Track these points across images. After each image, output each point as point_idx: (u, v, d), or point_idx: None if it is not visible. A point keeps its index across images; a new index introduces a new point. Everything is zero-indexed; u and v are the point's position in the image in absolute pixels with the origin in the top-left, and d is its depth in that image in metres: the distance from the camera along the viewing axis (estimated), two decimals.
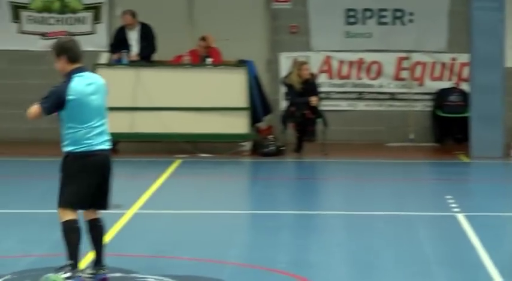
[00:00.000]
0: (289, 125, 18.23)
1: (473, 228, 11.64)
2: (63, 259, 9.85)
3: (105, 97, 9.59)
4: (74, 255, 9.25)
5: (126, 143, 18.46)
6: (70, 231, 9.23)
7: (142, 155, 17.53)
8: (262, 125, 18.58)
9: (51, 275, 8.50)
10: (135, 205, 12.89)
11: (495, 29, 17.56)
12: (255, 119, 18.10)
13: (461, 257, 10.39)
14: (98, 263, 9.42)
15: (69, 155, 9.37)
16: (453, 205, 13.15)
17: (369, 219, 12.60)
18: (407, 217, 12.71)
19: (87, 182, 9.32)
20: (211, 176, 16.32)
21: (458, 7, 19.54)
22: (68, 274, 9.22)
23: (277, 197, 14.72)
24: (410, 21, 19.84)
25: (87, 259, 9.63)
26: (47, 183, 14.97)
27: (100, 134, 9.45)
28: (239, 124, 17.80)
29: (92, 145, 9.37)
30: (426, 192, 14.87)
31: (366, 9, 19.88)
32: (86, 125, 9.41)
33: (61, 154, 9.54)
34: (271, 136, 18.34)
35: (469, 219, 12.16)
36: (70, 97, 9.22)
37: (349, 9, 19.88)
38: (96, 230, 9.52)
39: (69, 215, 9.24)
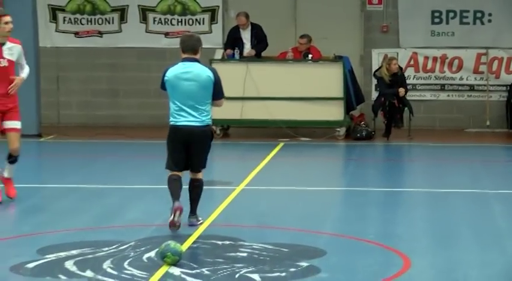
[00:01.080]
0: (379, 113, 18.09)
1: None
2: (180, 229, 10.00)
3: (209, 88, 10.11)
4: (172, 197, 10.13)
5: (237, 129, 18.57)
6: (169, 181, 10.22)
7: (250, 138, 17.56)
8: (355, 112, 18.52)
9: (171, 242, 8.55)
10: (243, 182, 12.93)
11: None
12: (349, 107, 18.03)
13: None
14: (191, 213, 10.30)
15: (169, 127, 10.31)
16: None
17: (449, 196, 12.44)
18: (483, 194, 12.52)
19: (172, 149, 10.26)
20: (310, 158, 16.30)
21: None
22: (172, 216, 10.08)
23: (367, 176, 14.63)
24: (489, 21, 19.53)
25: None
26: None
27: (189, 113, 10.11)
28: (335, 112, 17.73)
29: (178, 120, 10.17)
30: (500, 172, 14.63)
31: (450, 11, 19.63)
32: (176, 103, 10.19)
33: None
34: (363, 123, 18.26)
35: None
36: (166, 78, 10.15)
37: (434, 11, 19.65)
38: (192, 188, 10.33)
39: (171, 172, 10.27)
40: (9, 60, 11.00)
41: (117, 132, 18.27)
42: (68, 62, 20.09)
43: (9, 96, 11.13)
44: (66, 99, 19.68)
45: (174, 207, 9.93)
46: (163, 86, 10.28)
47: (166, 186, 10.18)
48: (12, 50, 10.93)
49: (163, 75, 10.21)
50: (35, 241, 9.44)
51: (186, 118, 10.17)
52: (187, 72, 10.10)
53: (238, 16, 18.57)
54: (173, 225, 9.84)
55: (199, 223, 10.24)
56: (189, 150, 10.23)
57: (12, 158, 11.38)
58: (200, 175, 10.34)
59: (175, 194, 10.10)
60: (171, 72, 10.17)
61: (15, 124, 11.30)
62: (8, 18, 10.91)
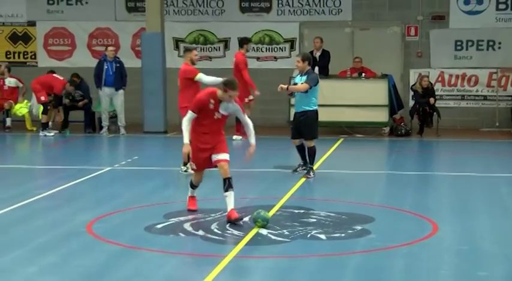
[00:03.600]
0: (415, 116, 17.93)
1: None
2: (265, 200, 9.99)
3: None
4: (314, 162, 11.90)
5: None
6: (315, 151, 11.88)
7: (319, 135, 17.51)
8: (396, 116, 18.28)
9: (261, 211, 8.57)
10: (314, 167, 12.85)
11: None
12: (392, 112, 17.84)
13: None
14: (305, 164, 11.96)
15: (316, 111, 11.93)
16: None
17: (467, 178, 12.24)
18: (493, 177, 12.29)
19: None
20: (363, 149, 16.10)
21: None
22: (312, 173, 11.77)
23: (406, 163, 14.43)
24: (499, 48, 19.16)
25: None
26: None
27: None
28: (381, 115, 17.54)
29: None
30: (507, 161, 14.30)
31: (469, 40, 19.30)
32: (317, 95, 11.91)
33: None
34: (403, 123, 18.07)
35: None
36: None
37: (457, 40, 19.33)
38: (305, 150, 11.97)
39: (313, 143, 11.89)
40: (223, 115, 8.84)
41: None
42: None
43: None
44: None
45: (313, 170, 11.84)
46: (316, 85, 11.80)
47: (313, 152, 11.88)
48: (229, 108, 8.81)
49: (318, 80, 11.93)
50: (162, 208, 9.55)
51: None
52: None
53: (315, 39, 18.58)
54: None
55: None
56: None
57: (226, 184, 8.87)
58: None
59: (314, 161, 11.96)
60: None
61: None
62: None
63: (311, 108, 11.79)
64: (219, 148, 8.91)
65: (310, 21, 19.82)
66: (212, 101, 8.73)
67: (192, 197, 9.39)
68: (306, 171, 11.91)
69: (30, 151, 16.54)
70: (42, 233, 8.30)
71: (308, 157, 11.91)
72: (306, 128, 11.74)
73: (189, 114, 8.85)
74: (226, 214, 8.84)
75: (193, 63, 12.39)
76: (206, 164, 9.02)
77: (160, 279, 6.75)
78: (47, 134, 17.52)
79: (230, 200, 8.77)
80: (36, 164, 14.05)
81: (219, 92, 8.72)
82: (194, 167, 9.08)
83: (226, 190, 8.78)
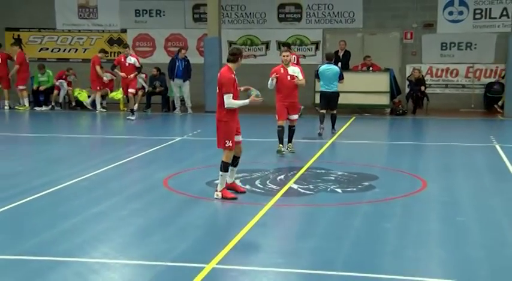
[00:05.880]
0: (410, 100, 17.69)
1: (504, 152, 10.92)
2: (295, 163, 9.89)
3: (337, 75, 12.72)
4: (321, 122, 12.83)
5: None
6: (320, 117, 12.94)
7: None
8: (396, 100, 18.00)
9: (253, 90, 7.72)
10: (332, 138, 12.75)
11: None
12: (392, 97, 17.57)
13: (497, 166, 9.75)
14: (332, 128, 13.40)
15: (320, 92, 12.87)
16: (493, 141, 12.38)
17: (450, 147, 11.97)
18: (470, 146, 12.01)
19: (321, 101, 12.98)
20: (370, 125, 15.90)
21: (501, 40, 18.26)
22: (333, 130, 13.18)
23: (402, 135, 14.19)
24: (475, 48, 18.68)
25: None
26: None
27: (328, 84, 12.73)
28: (384, 99, 17.29)
29: (324, 88, 12.77)
30: (479, 134, 13.99)
31: (451, 42, 18.84)
32: (323, 82, 12.73)
33: None
34: (400, 105, 17.80)
35: (502, 148, 11.41)
36: (319, 71, 12.80)
37: (443, 42, 18.88)
38: (332, 117, 13.12)
39: (321, 110, 12.93)
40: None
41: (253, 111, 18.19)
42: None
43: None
44: None
45: (321, 126, 12.74)
46: (317, 76, 12.88)
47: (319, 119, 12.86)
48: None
49: (317, 71, 12.79)
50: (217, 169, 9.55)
51: (327, 87, 12.64)
52: (329, 68, 12.61)
53: (340, 42, 18.46)
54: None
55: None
56: (329, 102, 12.73)
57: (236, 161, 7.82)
58: (335, 111, 12.93)
59: (322, 121, 12.73)
60: (321, 68, 12.67)
61: None
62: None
63: (337, 90, 12.90)
64: (238, 129, 7.75)
65: (331, 28, 19.57)
66: (233, 74, 7.60)
67: (231, 184, 7.78)
68: (333, 131, 13.11)
69: (122, 126, 16.70)
70: (130, 186, 8.39)
71: (332, 120, 13.06)
72: (335, 102, 12.90)
73: (230, 97, 7.44)
74: (266, 173, 8.80)
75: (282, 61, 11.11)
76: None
77: (217, 221, 6.77)
78: (131, 118, 16.95)
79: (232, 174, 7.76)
80: (126, 135, 14.18)
81: (233, 65, 7.60)
82: (230, 144, 7.50)
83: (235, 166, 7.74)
